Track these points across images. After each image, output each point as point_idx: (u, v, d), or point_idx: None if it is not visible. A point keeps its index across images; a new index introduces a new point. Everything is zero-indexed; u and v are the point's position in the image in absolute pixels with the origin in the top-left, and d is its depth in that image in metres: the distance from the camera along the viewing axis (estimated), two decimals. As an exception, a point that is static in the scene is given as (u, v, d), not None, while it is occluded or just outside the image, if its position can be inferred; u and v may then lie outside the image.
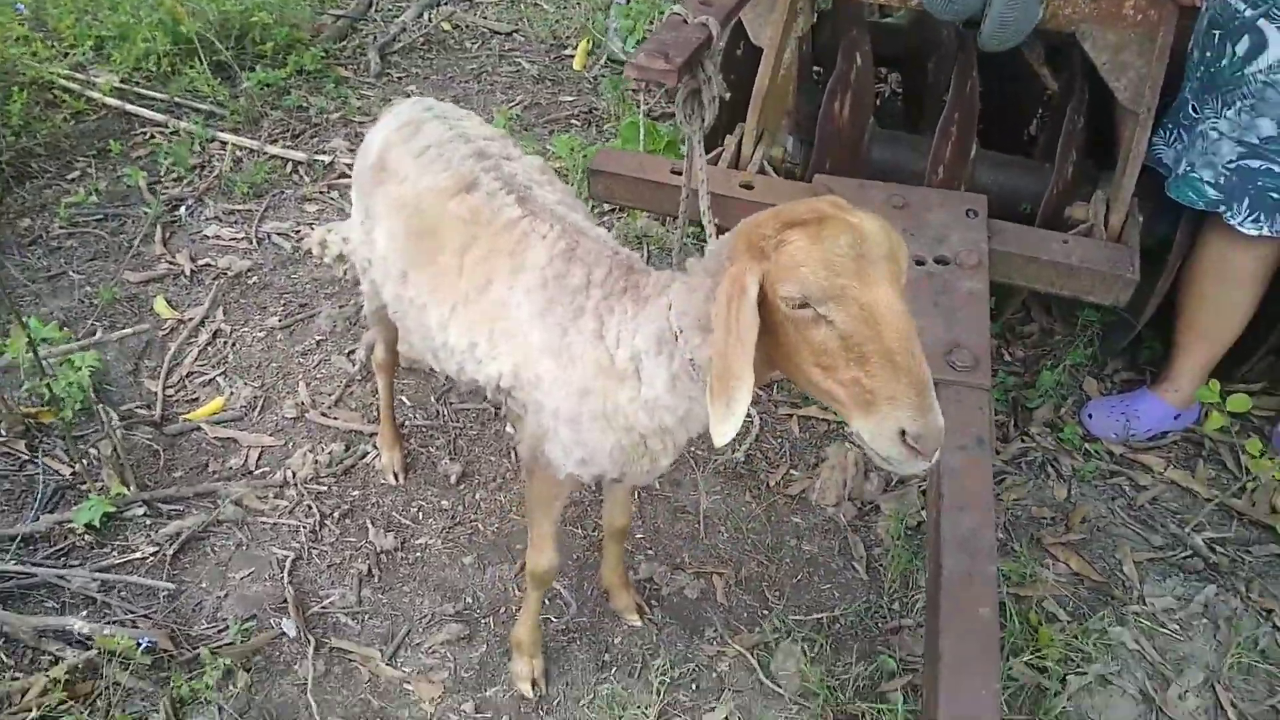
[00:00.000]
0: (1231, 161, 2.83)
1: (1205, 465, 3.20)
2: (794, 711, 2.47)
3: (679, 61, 2.40)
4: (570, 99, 5.14)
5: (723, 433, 1.57)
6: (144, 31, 4.85)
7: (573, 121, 4.93)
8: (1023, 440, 3.29)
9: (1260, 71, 2.73)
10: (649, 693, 2.48)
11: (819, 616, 2.71)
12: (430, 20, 5.88)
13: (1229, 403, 2.70)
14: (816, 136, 3.50)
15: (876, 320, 1.47)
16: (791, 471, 3.17)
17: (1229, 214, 2.86)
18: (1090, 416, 3.34)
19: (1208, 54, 2.87)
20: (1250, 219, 2.83)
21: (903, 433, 1.46)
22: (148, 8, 4.98)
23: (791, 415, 3.35)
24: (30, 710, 2.24)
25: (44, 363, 2.61)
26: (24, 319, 2.53)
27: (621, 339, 1.86)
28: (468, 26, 5.87)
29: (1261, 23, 2.70)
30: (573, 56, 5.52)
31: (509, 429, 3.21)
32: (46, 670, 2.30)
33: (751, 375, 1.53)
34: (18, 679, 2.30)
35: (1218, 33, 2.83)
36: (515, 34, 5.76)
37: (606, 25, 5.68)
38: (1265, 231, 2.78)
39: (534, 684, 2.48)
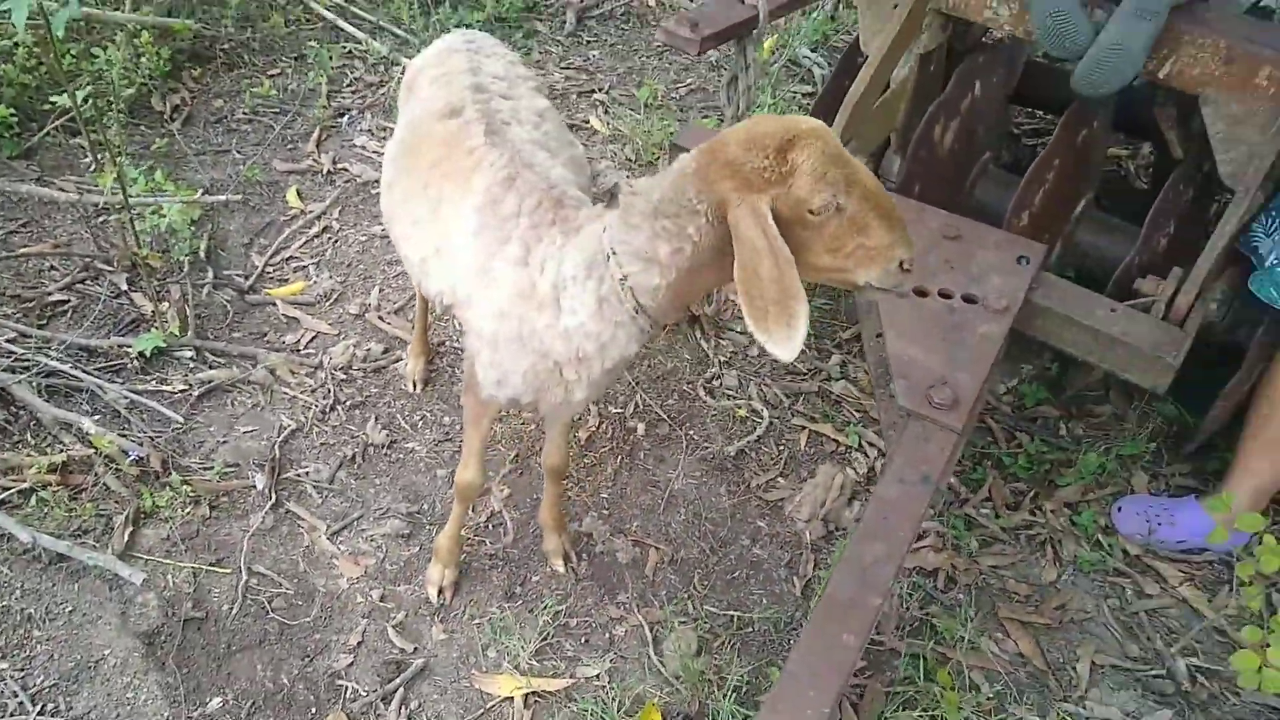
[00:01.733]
0: (1324, 265, 2.55)
1: (1231, 596, 2.89)
2: (665, 691, 2.50)
3: (705, 34, 2.46)
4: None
5: (790, 349, 1.71)
6: (370, -42, 5.37)
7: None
8: (1032, 514, 3.10)
9: (1367, 172, 2.44)
10: (535, 631, 2.59)
11: (734, 614, 2.71)
12: (642, -7, 6.10)
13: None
14: (909, 156, 3.42)
15: (874, 195, 1.71)
16: (779, 479, 3.15)
17: (1310, 322, 2.58)
18: (1120, 510, 3.09)
19: (1322, 144, 2.59)
20: (1332, 332, 2.54)
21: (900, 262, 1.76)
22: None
23: (804, 429, 3.32)
24: (25, 481, 2.66)
25: (129, 200, 3.02)
26: (121, 164, 2.95)
27: (546, 267, 1.95)
28: (671, 6, 6.03)
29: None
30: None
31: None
32: (45, 454, 2.72)
33: (804, 292, 1.69)
34: (30, 456, 2.73)
35: (1335, 122, 2.55)
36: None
37: (800, 29, 5.70)
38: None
39: (441, 591, 2.65)
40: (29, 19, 2.39)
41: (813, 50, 5.49)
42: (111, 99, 4.00)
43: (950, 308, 2.79)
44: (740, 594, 2.79)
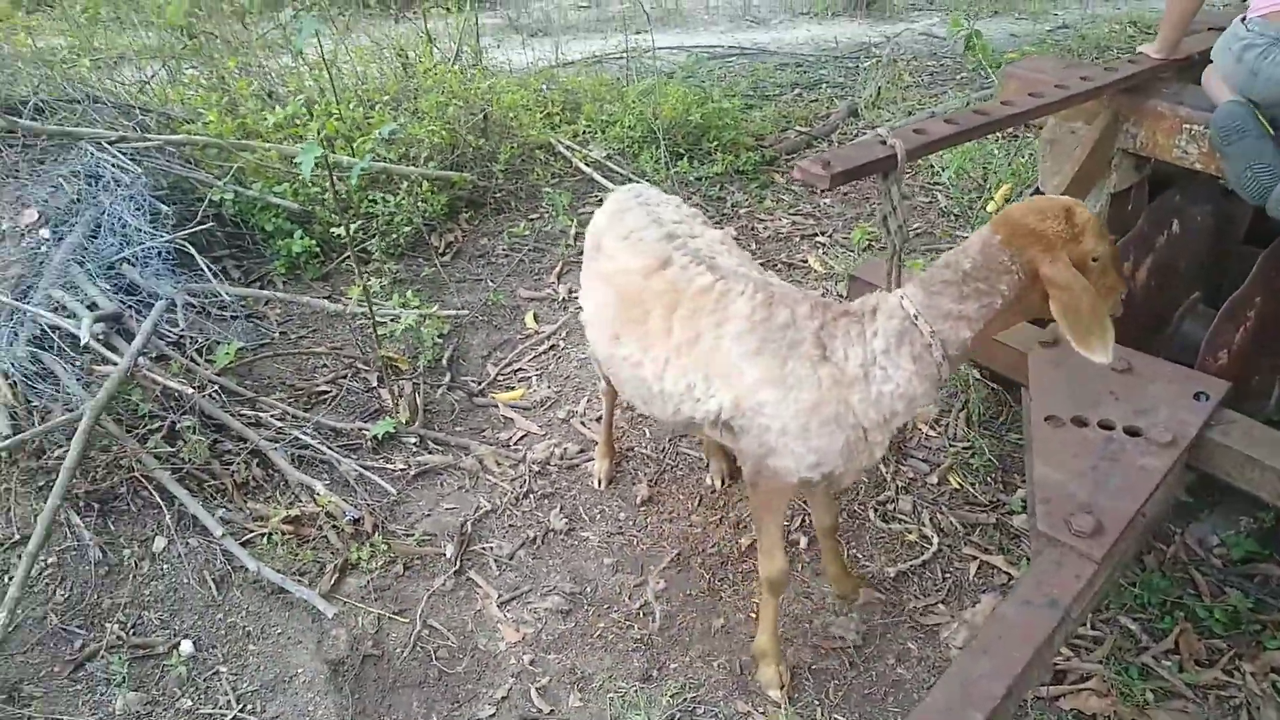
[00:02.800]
0: None
1: None
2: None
3: (836, 170, 2.66)
4: (962, 232, 5.31)
5: (1108, 354, 2.14)
6: (627, 120, 6.08)
7: (936, 250, 5.11)
8: (1228, 674, 2.84)
9: None
10: (661, 711, 2.72)
11: (861, 726, 2.70)
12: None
13: None
14: (1098, 292, 3.38)
15: (1113, 247, 2.27)
16: (939, 605, 3.11)
17: None
18: (1344, 681, 2.76)
19: None
20: None
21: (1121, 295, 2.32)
22: (642, 102, 6.21)
23: (976, 559, 3.26)
24: (267, 528, 3.22)
25: (375, 313, 3.64)
26: (365, 281, 3.59)
27: (850, 353, 2.33)
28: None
29: None
30: (991, 197, 5.65)
31: (707, 479, 3.59)
32: (287, 508, 3.27)
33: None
34: (275, 508, 3.30)
35: None
36: (948, 170, 6.00)
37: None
38: None
39: (783, 687, 2.79)
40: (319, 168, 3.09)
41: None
42: (391, 234, 4.83)
43: (1109, 438, 2.73)
44: (874, 710, 2.77)
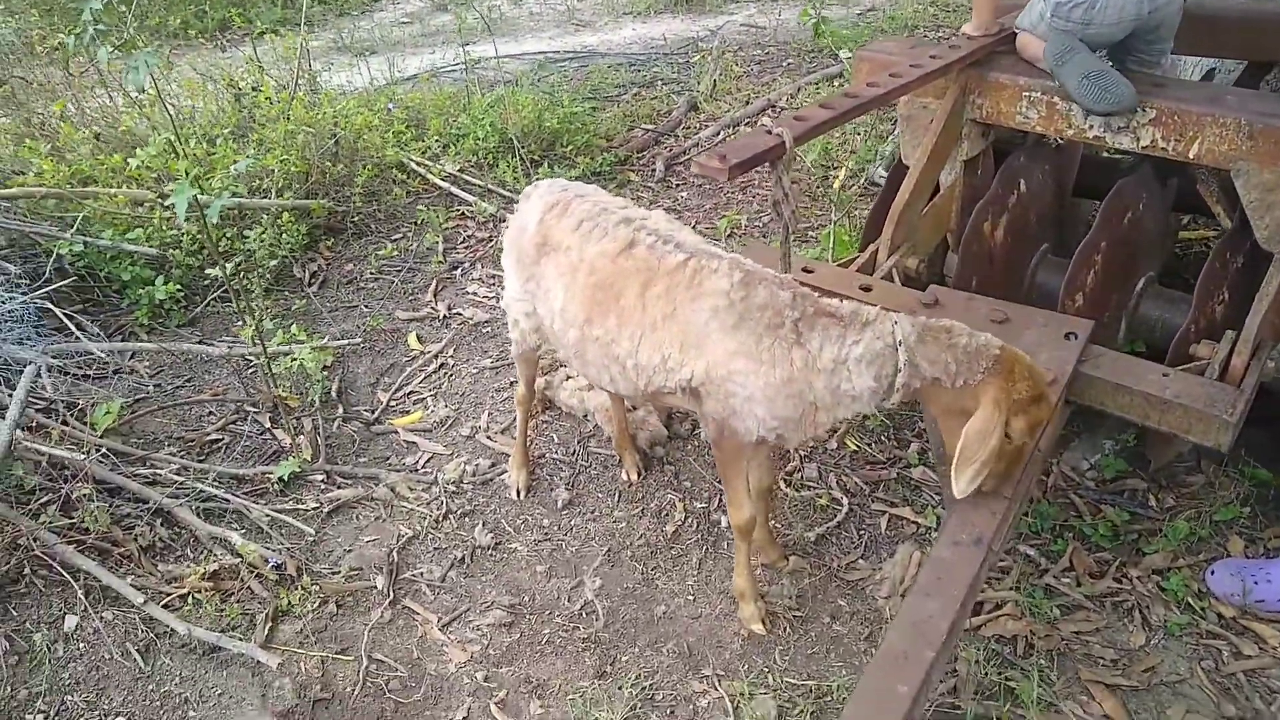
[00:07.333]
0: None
1: (1338, 652, 2.83)
2: (746, 757, 2.63)
3: (733, 163, 2.77)
4: (820, 210, 5.56)
5: (962, 490, 2.38)
6: (478, 132, 6.07)
7: (798, 230, 5.34)
8: (1118, 581, 3.12)
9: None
10: (624, 704, 2.78)
11: (813, 684, 2.83)
12: (724, 137, 6.61)
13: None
14: (960, 252, 3.64)
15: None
16: (860, 561, 3.29)
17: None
18: (1213, 573, 3.08)
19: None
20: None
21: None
22: (491, 113, 6.20)
23: (885, 513, 3.46)
24: (184, 588, 3.08)
25: (267, 350, 3.53)
26: (260, 320, 3.48)
27: (825, 348, 2.46)
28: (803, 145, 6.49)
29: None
30: (836, 177, 5.94)
31: (622, 474, 3.66)
32: (203, 564, 3.14)
33: None
34: (189, 566, 3.16)
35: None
36: (810, 154, 6.22)
37: (876, 152, 6.06)
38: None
39: (763, 622, 2.99)
40: (188, 209, 2.97)
41: (888, 170, 5.81)
42: (258, 269, 4.66)
43: (999, 383, 2.95)
44: (820, 666, 2.91)
